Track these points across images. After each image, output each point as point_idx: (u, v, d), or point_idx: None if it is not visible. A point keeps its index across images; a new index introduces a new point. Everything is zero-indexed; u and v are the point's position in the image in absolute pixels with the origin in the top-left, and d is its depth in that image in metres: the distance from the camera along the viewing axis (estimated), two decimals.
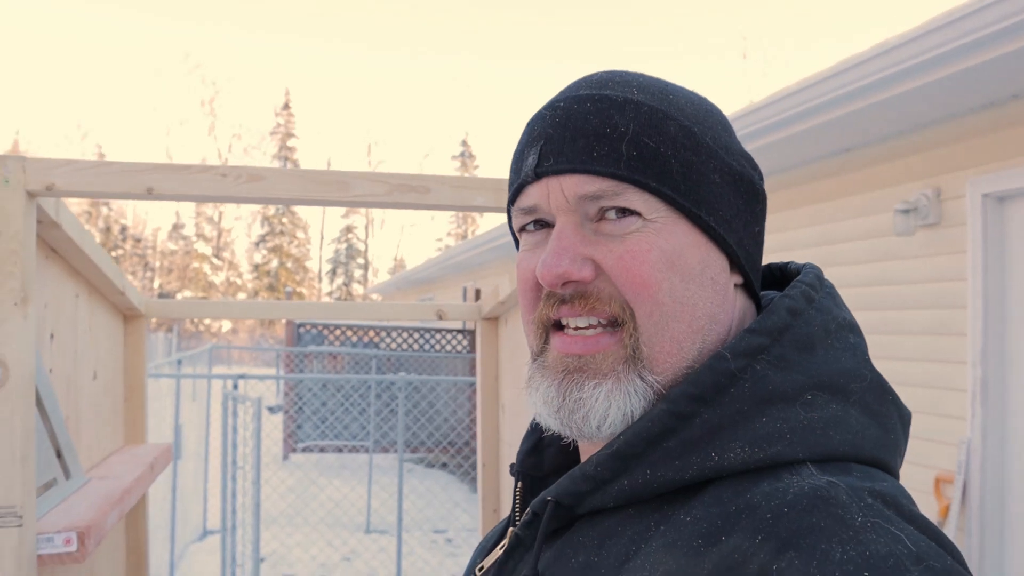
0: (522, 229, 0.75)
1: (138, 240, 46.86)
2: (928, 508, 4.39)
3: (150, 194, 1.14)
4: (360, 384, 9.66)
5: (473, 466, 9.70)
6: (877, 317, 4.78)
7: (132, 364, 1.96)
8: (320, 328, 11.55)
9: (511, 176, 0.77)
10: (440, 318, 2.09)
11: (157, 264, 46.79)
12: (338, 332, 11.64)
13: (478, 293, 13.70)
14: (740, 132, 4.99)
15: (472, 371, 11.61)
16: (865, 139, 4.74)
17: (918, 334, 4.50)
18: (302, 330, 11.45)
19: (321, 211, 51.11)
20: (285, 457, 10.52)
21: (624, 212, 0.68)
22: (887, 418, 0.67)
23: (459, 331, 11.73)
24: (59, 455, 1.37)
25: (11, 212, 1.10)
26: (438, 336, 11.64)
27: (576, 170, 0.68)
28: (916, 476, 4.44)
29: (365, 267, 50.28)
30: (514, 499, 0.81)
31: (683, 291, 0.67)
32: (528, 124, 0.75)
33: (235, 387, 6.24)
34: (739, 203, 0.72)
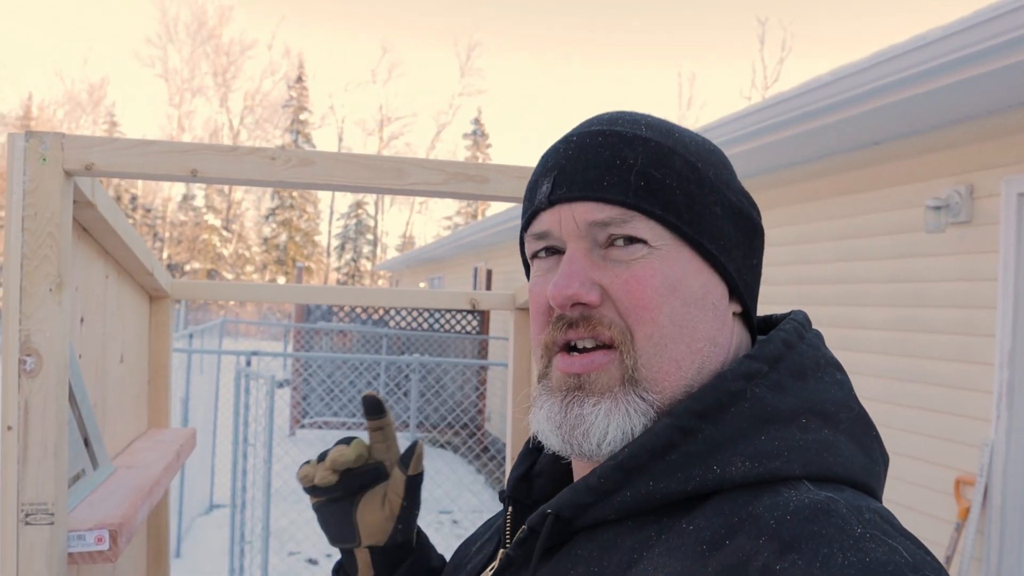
0: (534, 256, 0.80)
1: (148, 210, 46.87)
2: (947, 510, 4.33)
3: (194, 176, 1.08)
4: (369, 363, 9.62)
5: (478, 447, 9.69)
6: (903, 314, 4.70)
7: (157, 346, 1.90)
8: (330, 304, 11.51)
9: (524, 205, 0.82)
10: (474, 307, 2.03)
11: (166, 235, 46.81)
12: (347, 308, 11.60)
13: (489, 274, 13.63)
14: (766, 123, 4.90)
15: (481, 352, 11.58)
16: (897, 132, 4.64)
17: (944, 333, 4.42)
18: (311, 305, 11.42)
19: None
20: (291, 432, 10.51)
21: (631, 240, 0.72)
22: (872, 450, 0.71)
23: (469, 312, 11.68)
24: (87, 444, 1.32)
25: (48, 192, 1.04)
26: (448, 316, 11.59)
27: (587, 198, 0.73)
28: (936, 477, 4.38)
29: (374, 243, 50.24)
30: (504, 524, 0.83)
31: (684, 314, 0.72)
32: (542, 157, 0.80)
33: (248, 364, 6.20)
34: (739, 236, 0.77)
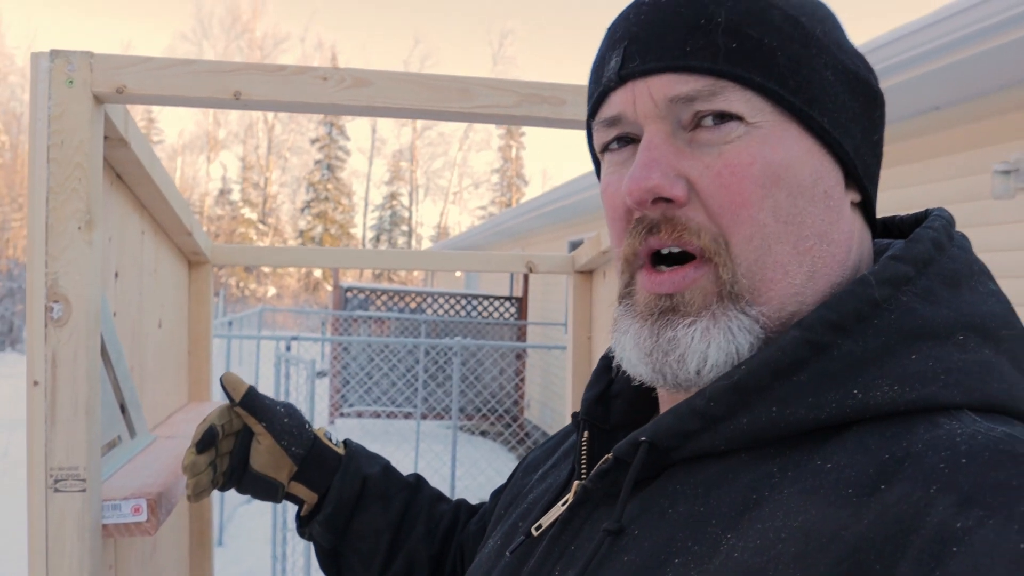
0: (605, 149, 0.67)
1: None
2: None
3: (237, 100, 0.95)
4: (408, 348, 9.55)
5: (518, 435, 9.58)
6: None
7: (197, 314, 1.79)
8: (367, 294, 11.46)
9: (590, 87, 0.68)
10: (531, 271, 1.89)
11: (205, 229, 47.11)
12: (384, 298, 11.54)
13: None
14: None
15: (519, 338, 11.46)
16: (961, 96, 4.42)
17: (1018, 304, 4.20)
18: (349, 294, 11.37)
19: (366, 179, 51.20)
20: (331, 421, 10.48)
21: (723, 117, 0.59)
22: None
23: (506, 298, 11.55)
24: (123, 410, 1.21)
25: (77, 118, 0.92)
26: (485, 303, 11.48)
27: (667, 68, 0.60)
28: None
29: (409, 234, 50.35)
30: (578, 450, 0.72)
31: (790, 208, 0.59)
32: (609, 28, 0.66)
33: (288, 349, 6.14)
34: (856, 106, 0.63)
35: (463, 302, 11.45)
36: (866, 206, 0.67)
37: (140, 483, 1.06)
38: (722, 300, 0.60)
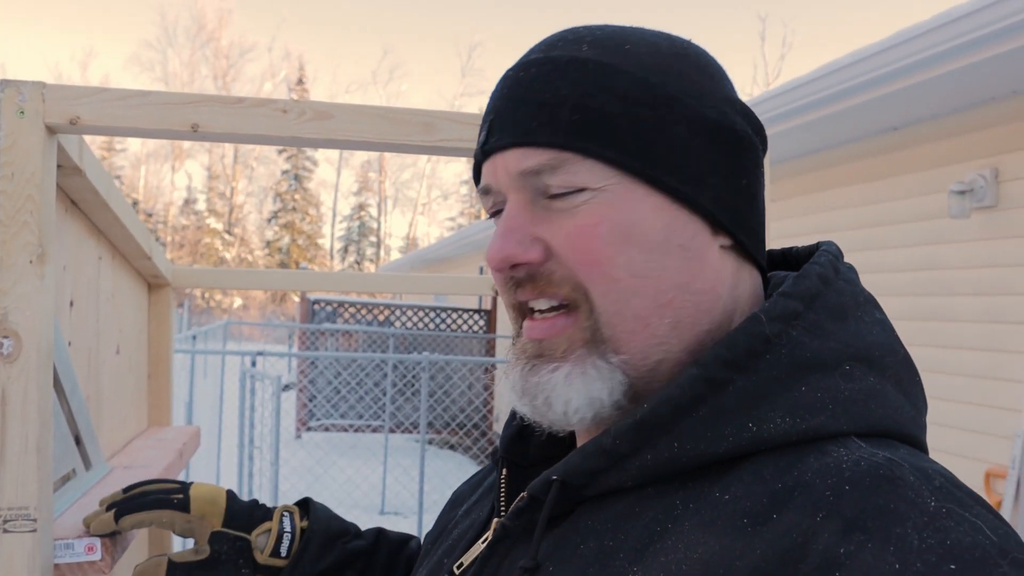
0: (490, 215, 0.71)
1: (150, 215, 46.76)
2: None
3: (195, 132, 0.94)
4: (376, 363, 9.49)
5: (488, 448, 9.54)
6: (928, 303, 4.56)
7: (157, 337, 1.76)
8: (335, 306, 11.37)
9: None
10: (497, 294, 1.89)
11: (168, 239, 46.70)
12: (352, 310, 11.46)
13: None
14: (780, 110, 4.76)
15: (488, 354, 11.43)
16: (917, 116, 4.50)
17: (971, 321, 4.28)
18: (316, 307, 11.28)
19: (334, 189, 50.90)
20: (298, 435, 10.37)
21: (570, 187, 0.63)
22: (917, 398, 0.63)
23: (475, 311, 11.53)
24: (78, 442, 1.18)
25: (27, 150, 0.90)
26: (454, 316, 11.44)
27: (516, 144, 0.64)
28: (965, 469, 4.23)
29: (377, 245, 50.13)
30: (498, 488, 0.74)
31: (644, 264, 0.62)
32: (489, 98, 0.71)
33: (253, 364, 6.06)
34: (715, 155, 0.64)
35: (432, 314, 11.41)
36: (750, 247, 0.68)
37: None
38: (586, 346, 0.63)
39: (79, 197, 1.17)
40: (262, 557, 0.95)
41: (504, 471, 0.75)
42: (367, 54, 78.37)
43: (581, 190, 0.62)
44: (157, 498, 0.97)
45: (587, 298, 0.63)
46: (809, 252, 0.72)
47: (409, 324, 11.37)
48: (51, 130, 0.93)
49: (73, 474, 1.14)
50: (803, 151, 5.51)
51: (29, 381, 0.90)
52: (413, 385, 9.70)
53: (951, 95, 4.10)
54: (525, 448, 0.76)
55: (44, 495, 0.91)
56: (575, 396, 0.63)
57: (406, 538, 1.08)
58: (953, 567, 0.46)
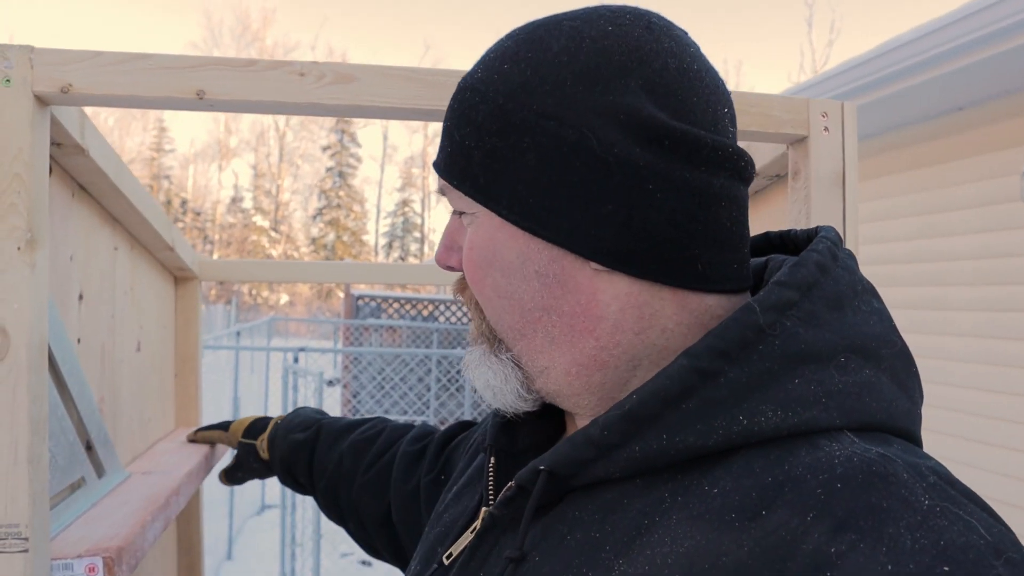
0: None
1: (198, 213, 47.47)
2: None
3: (201, 99, 0.83)
4: (420, 358, 9.43)
5: None
6: (995, 292, 4.33)
7: (184, 334, 1.67)
8: (379, 301, 11.34)
9: None
10: None
11: (216, 237, 47.37)
12: (396, 305, 11.41)
13: None
14: (835, 91, 4.55)
15: None
16: (985, 95, 4.26)
17: None
18: (360, 303, 11.25)
19: (378, 186, 51.15)
20: None
21: (457, 208, 0.67)
22: (912, 391, 0.62)
23: None
24: (89, 448, 1.09)
25: (14, 122, 0.80)
26: None
27: (435, 164, 0.68)
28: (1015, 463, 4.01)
29: (421, 241, 50.31)
30: (486, 477, 0.74)
31: (506, 287, 0.64)
32: None
33: (295, 360, 6.02)
34: (574, 182, 0.60)
35: None
36: (635, 271, 0.62)
37: (101, 535, 0.94)
38: (487, 342, 0.68)
39: (86, 180, 1.07)
40: (263, 455, 1.31)
41: (492, 460, 0.74)
42: (409, 50, 78.66)
43: (463, 213, 0.66)
44: (211, 426, 1.45)
45: (480, 304, 0.68)
46: (808, 236, 0.70)
47: (454, 319, 11.30)
48: (42, 101, 0.83)
49: (82, 483, 1.05)
50: (860, 136, 5.28)
51: (18, 383, 0.79)
52: (457, 381, 9.63)
53: (1019, 72, 3.86)
54: (513, 436, 0.75)
55: (38, 511, 0.81)
56: (479, 381, 0.68)
57: (353, 424, 1.27)
58: (947, 569, 0.45)
